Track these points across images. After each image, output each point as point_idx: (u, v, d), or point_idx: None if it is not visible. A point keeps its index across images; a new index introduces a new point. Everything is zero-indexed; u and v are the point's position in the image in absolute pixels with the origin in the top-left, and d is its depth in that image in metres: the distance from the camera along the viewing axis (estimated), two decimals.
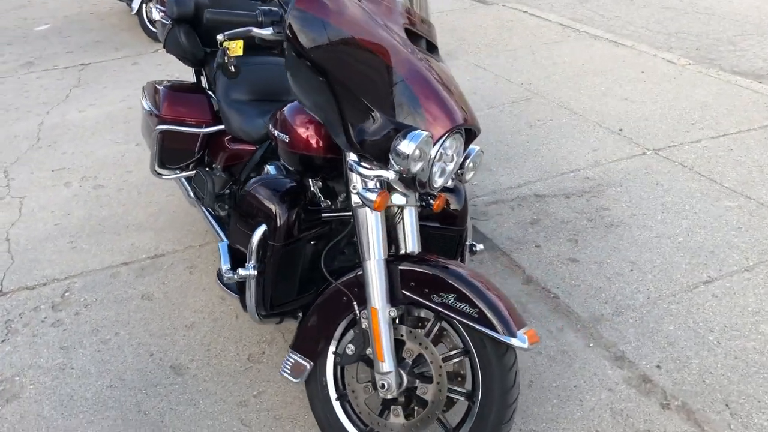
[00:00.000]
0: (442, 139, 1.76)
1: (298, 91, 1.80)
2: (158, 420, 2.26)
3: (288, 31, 1.68)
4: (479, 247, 2.36)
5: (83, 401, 2.36)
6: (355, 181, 1.85)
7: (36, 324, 2.74)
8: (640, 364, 2.38)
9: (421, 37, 1.91)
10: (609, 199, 3.36)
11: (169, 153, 2.90)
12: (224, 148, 2.75)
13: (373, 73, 1.72)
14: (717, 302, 2.64)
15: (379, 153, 1.75)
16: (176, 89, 2.85)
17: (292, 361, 2.00)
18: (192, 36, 2.82)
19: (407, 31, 1.82)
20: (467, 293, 1.80)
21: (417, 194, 1.93)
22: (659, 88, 4.64)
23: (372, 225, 1.85)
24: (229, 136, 2.70)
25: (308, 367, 1.99)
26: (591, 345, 2.48)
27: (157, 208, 3.53)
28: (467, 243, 2.35)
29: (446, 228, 2.25)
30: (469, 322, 1.79)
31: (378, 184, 1.80)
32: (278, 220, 1.96)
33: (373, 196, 1.74)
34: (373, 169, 1.78)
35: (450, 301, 1.82)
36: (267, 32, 1.79)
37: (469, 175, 2.06)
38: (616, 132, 4.04)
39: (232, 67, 1.86)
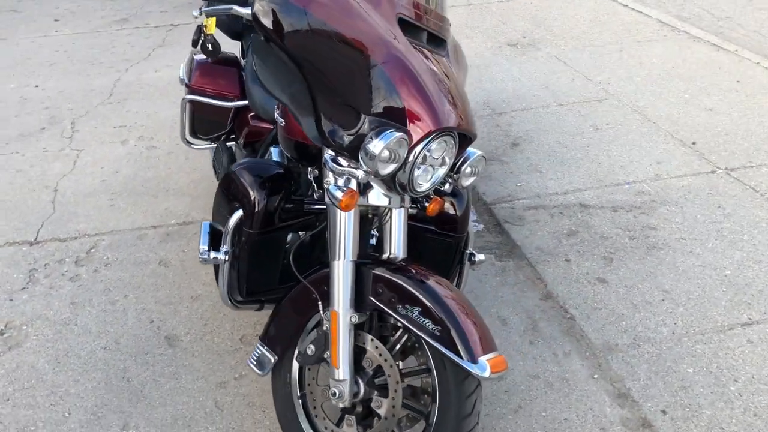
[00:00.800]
0: (425, 141, 1.64)
1: (265, 78, 1.72)
2: (138, 389, 2.28)
3: (256, 13, 1.59)
4: (479, 257, 2.22)
5: (76, 359, 2.41)
6: (329, 176, 1.76)
7: (56, 276, 2.83)
8: (644, 405, 2.18)
9: (421, 30, 1.77)
10: (659, 218, 3.10)
11: (201, 123, 2.90)
12: (247, 124, 2.71)
13: (351, 65, 1.61)
14: (751, 349, 2.38)
15: (351, 150, 1.64)
16: (211, 61, 2.84)
17: (259, 353, 1.95)
18: None
19: (402, 22, 1.68)
20: (433, 309, 1.69)
21: (406, 196, 1.81)
22: (752, 101, 4.24)
23: (342, 224, 1.75)
24: (252, 113, 2.66)
25: (272, 361, 1.93)
26: (596, 376, 2.29)
27: (200, 175, 3.56)
28: (467, 251, 2.21)
29: (444, 234, 2.12)
30: (429, 339, 1.68)
31: (348, 183, 1.70)
32: (255, 206, 1.90)
33: (339, 195, 1.64)
34: (345, 167, 1.68)
35: (414, 315, 1.71)
36: (248, 12, 1.71)
37: (466, 181, 1.93)
38: (688, 145, 3.72)
39: (209, 45, 1.78)
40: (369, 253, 2.02)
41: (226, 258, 1.92)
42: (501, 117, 4.14)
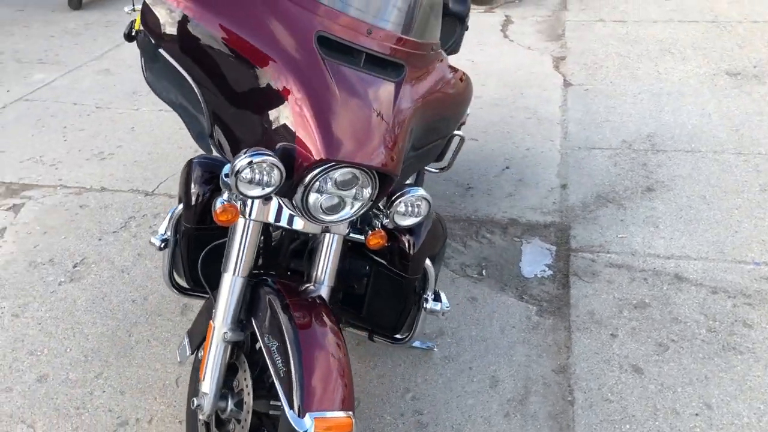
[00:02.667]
0: (318, 169, 1.53)
1: (152, 80, 1.71)
2: (130, 346, 2.49)
3: (142, 14, 1.59)
4: (438, 306, 2.01)
5: (106, 304, 2.69)
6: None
7: (144, 227, 3.17)
8: None
9: (359, 51, 1.63)
10: (764, 317, 2.49)
11: None
12: None
13: (246, 81, 1.56)
14: None
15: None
16: None
17: (182, 343, 2.01)
18: None
19: (324, 40, 1.56)
20: (289, 348, 1.60)
21: (337, 224, 1.71)
22: None
23: (236, 238, 1.72)
24: None
25: (188, 354, 1.98)
26: None
27: None
28: (426, 296, 2.02)
29: (392, 270, 1.97)
30: (273, 377, 1.60)
31: (234, 198, 1.64)
32: (192, 201, 1.94)
33: (216, 208, 1.61)
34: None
35: (273, 348, 1.64)
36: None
37: (402, 221, 1.77)
38: None
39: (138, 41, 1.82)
40: (287, 273, 1.96)
41: (162, 245, 1.99)
42: (654, 155, 3.62)
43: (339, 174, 1.56)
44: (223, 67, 1.56)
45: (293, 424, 1.52)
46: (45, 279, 2.84)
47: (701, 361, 2.32)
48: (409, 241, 1.94)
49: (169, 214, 2.10)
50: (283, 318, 1.65)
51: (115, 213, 3.29)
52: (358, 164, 1.54)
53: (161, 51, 1.59)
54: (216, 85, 1.59)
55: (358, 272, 2.00)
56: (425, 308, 2.02)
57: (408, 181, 2.68)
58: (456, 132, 2.76)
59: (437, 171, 2.96)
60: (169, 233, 2.01)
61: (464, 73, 2.04)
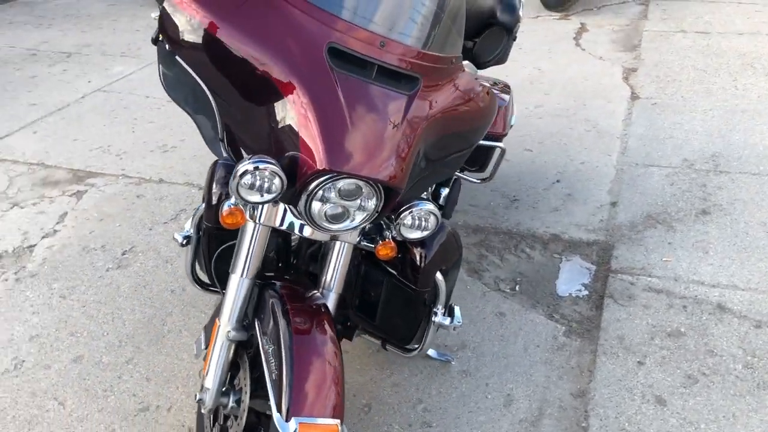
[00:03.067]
0: (321, 179, 1.55)
1: (168, 84, 1.76)
2: (162, 334, 2.59)
3: (160, 21, 1.65)
4: (447, 321, 2.00)
5: (147, 293, 2.82)
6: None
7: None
8: None
9: (371, 63, 1.64)
10: None
11: None
12: None
13: (255, 89, 1.60)
14: None
15: None
16: None
17: (199, 337, 2.08)
18: None
19: (334, 51, 1.58)
20: (283, 353, 1.64)
21: (348, 232, 1.74)
22: None
23: (244, 239, 1.77)
24: None
25: (202, 348, 2.05)
26: None
27: None
28: (436, 309, 2.01)
29: (402, 282, 1.97)
30: (267, 380, 1.64)
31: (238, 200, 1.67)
32: (212, 200, 2.00)
33: (223, 211, 1.66)
34: None
35: (269, 350, 1.68)
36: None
37: (409, 233, 1.78)
38: None
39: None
40: (307, 276, 2.00)
41: (184, 241, 2.06)
42: (716, 177, 3.45)
43: (342, 184, 1.58)
44: (234, 75, 1.60)
45: (278, 427, 1.55)
46: (95, 264, 2.99)
47: (731, 398, 2.21)
48: (420, 254, 1.94)
49: (194, 213, 2.17)
50: (281, 323, 1.69)
51: (168, 204, 3.42)
52: (360, 176, 1.55)
53: (177, 57, 1.65)
54: (227, 92, 1.64)
55: (371, 281, 2.02)
56: (434, 322, 2.01)
57: (443, 191, 2.68)
58: (497, 144, 2.73)
59: (479, 182, 2.94)
60: (192, 230, 2.08)
61: (489, 89, 2.02)
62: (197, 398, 1.82)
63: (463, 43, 2.81)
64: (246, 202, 1.59)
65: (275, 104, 1.57)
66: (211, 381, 1.80)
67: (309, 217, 1.61)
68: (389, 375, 2.35)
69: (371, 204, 1.64)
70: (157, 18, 1.80)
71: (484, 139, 2.76)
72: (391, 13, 1.70)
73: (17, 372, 2.42)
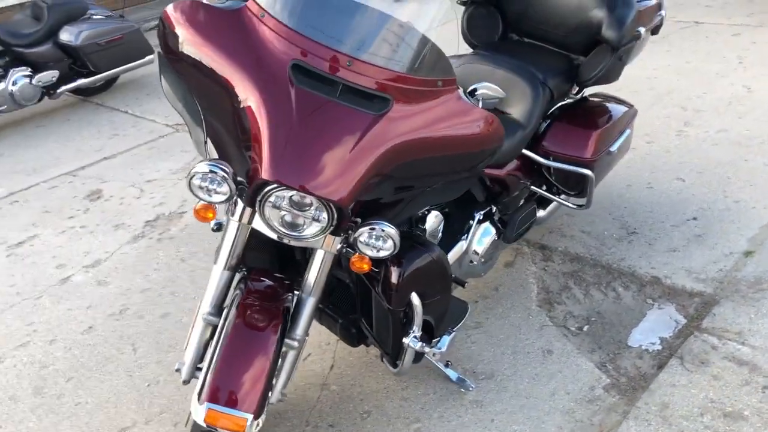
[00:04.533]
0: (268, 188, 1.68)
1: (166, 90, 1.93)
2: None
3: (159, 34, 1.84)
4: (418, 345, 1.98)
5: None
6: None
7: None
8: None
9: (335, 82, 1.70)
10: None
11: None
12: None
13: (224, 98, 1.75)
14: None
15: None
16: None
17: None
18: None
19: (297, 68, 1.68)
20: (220, 342, 1.80)
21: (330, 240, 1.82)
22: None
23: (224, 235, 1.94)
24: None
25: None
26: None
27: None
28: (411, 331, 2.00)
29: (379, 296, 2.00)
30: (205, 363, 1.83)
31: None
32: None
33: (196, 205, 1.84)
34: None
35: (213, 341, 1.87)
36: None
37: (367, 251, 1.81)
38: None
39: None
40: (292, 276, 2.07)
41: (215, 227, 2.28)
42: None
43: (292, 194, 1.68)
44: (211, 85, 1.76)
45: (191, 408, 1.72)
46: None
47: None
48: (394, 272, 1.94)
49: None
50: (231, 314, 1.84)
51: None
52: (297, 189, 1.63)
53: (171, 66, 1.86)
54: (208, 101, 1.81)
55: (365, 293, 2.06)
56: (406, 345, 2.00)
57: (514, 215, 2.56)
58: (581, 170, 2.56)
59: (575, 207, 2.77)
60: (223, 218, 2.30)
61: (494, 116, 1.92)
62: (176, 368, 2.05)
63: (573, 58, 2.67)
64: (200, 200, 1.76)
65: (241, 115, 1.71)
66: (188, 356, 2.00)
67: (266, 221, 1.74)
68: (403, 388, 2.37)
69: (324, 216, 1.70)
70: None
71: (570, 164, 2.60)
72: (362, 34, 1.74)
73: (119, 317, 2.88)
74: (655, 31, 2.95)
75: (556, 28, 2.74)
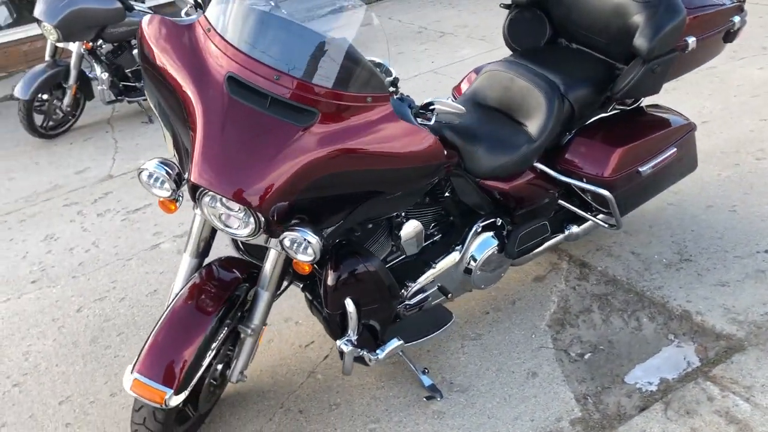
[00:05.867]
0: (199, 190, 1.87)
1: (148, 94, 2.12)
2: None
3: (137, 45, 2.05)
4: (349, 348, 2.06)
5: None
6: None
7: None
8: None
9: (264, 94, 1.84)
10: None
11: None
12: None
13: (177, 106, 1.95)
14: None
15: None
16: None
17: None
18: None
19: (232, 80, 1.83)
20: (160, 319, 2.02)
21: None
22: None
23: (192, 225, 2.15)
24: None
25: None
26: None
27: None
28: (346, 336, 2.08)
29: (319, 298, 2.10)
30: None
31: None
32: None
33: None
34: None
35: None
36: None
37: (290, 253, 1.93)
38: None
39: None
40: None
41: None
42: None
43: (224, 199, 1.85)
44: (169, 92, 1.97)
45: (123, 376, 1.96)
46: None
47: None
48: (330, 276, 2.04)
49: None
50: (179, 295, 2.05)
51: None
52: (217, 193, 1.79)
53: (145, 74, 2.08)
54: (168, 106, 2.02)
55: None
56: (338, 347, 2.08)
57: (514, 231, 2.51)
58: (599, 190, 2.45)
59: (607, 227, 2.64)
60: None
61: (436, 139, 1.92)
62: None
63: (618, 67, 2.53)
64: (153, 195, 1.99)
65: (187, 121, 1.90)
66: None
67: (208, 217, 1.93)
68: (378, 387, 2.44)
69: (251, 219, 1.85)
70: None
71: (588, 182, 2.48)
72: (290, 50, 1.84)
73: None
74: (728, 37, 2.64)
75: (599, 35, 2.58)
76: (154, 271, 3.35)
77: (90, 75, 5.15)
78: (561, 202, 2.63)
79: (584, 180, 2.48)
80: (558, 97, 2.42)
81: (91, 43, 5.05)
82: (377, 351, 2.16)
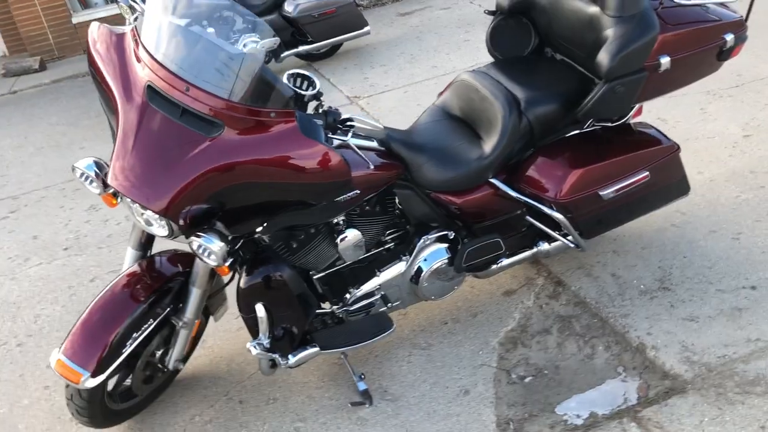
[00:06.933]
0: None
1: (99, 97, 2.24)
2: None
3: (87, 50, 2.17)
4: (256, 350, 2.14)
5: None
6: None
7: None
8: None
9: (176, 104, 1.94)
10: None
11: None
12: None
13: (110, 109, 2.07)
14: None
15: None
16: None
17: None
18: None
19: (151, 88, 1.94)
20: (88, 306, 2.18)
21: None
22: None
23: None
24: None
25: None
26: None
27: None
28: (258, 338, 2.17)
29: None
30: None
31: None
32: None
33: None
34: None
35: None
36: None
37: (201, 259, 2.03)
38: None
39: None
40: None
41: None
42: None
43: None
44: (106, 96, 2.10)
45: (51, 354, 2.14)
46: None
47: None
48: (242, 281, 2.13)
49: None
50: (111, 282, 2.20)
51: None
52: (125, 195, 1.92)
53: (92, 77, 2.21)
54: (107, 108, 2.15)
55: None
56: (247, 349, 2.16)
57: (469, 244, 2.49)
58: (550, 211, 2.39)
59: (573, 246, 2.57)
60: None
61: (332, 151, 1.93)
62: None
63: (594, 81, 2.42)
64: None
65: (113, 126, 2.03)
66: None
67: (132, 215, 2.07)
68: (318, 387, 2.51)
69: (163, 222, 1.97)
70: None
71: (542, 203, 2.42)
72: (201, 64, 1.93)
73: None
74: (722, 56, 2.45)
75: (578, 47, 2.47)
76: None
77: None
78: (529, 218, 2.56)
79: (540, 200, 2.40)
80: (515, 114, 2.35)
81: None
82: (289, 356, 2.23)
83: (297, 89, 2.03)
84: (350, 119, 2.04)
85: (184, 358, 2.42)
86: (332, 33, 5.89)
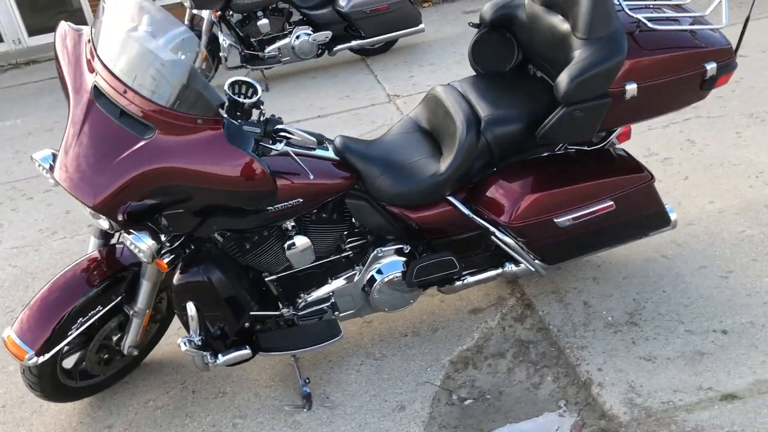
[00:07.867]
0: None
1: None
2: None
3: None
4: (184, 346, 2.21)
5: None
6: None
7: None
8: None
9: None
10: None
11: None
12: None
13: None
14: None
15: None
16: None
17: None
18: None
19: (96, 88, 2.04)
20: (42, 287, 2.32)
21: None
22: None
23: None
24: None
25: None
26: None
27: None
28: (189, 334, 2.25)
29: None
30: None
31: None
32: None
33: None
34: None
35: None
36: None
37: (136, 255, 2.14)
38: None
39: None
40: None
41: None
42: None
43: None
44: (65, 91, 2.20)
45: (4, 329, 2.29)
46: None
47: None
48: (174, 278, 2.21)
49: None
50: (67, 266, 2.34)
51: None
52: (65, 188, 2.04)
53: (57, 72, 2.31)
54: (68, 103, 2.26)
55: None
56: (178, 344, 2.24)
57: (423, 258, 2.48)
58: (501, 235, 2.36)
59: (534, 270, 2.52)
60: None
61: (263, 168, 1.97)
62: None
63: None
64: None
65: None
66: None
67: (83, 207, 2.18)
68: (267, 386, 2.56)
69: (102, 216, 2.08)
70: None
71: (494, 225, 2.38)
72: (136, 68, 2.01)
73: None
74: (705, 85, 2.30)
75: (553, 66, 2.38)
76: None
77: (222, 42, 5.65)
78: (494, 238, 2.51)
79: (495, 222, 2.35)
80: (473, 133, 2.30)
81: (219, 12, 5.56)
82: (219, 355, 2.29)
83: (237, 97, 2.08)
84: (283, 129, 2.07)
85: (143, 345, 2.54)
86: (384, 29, 5.90)
